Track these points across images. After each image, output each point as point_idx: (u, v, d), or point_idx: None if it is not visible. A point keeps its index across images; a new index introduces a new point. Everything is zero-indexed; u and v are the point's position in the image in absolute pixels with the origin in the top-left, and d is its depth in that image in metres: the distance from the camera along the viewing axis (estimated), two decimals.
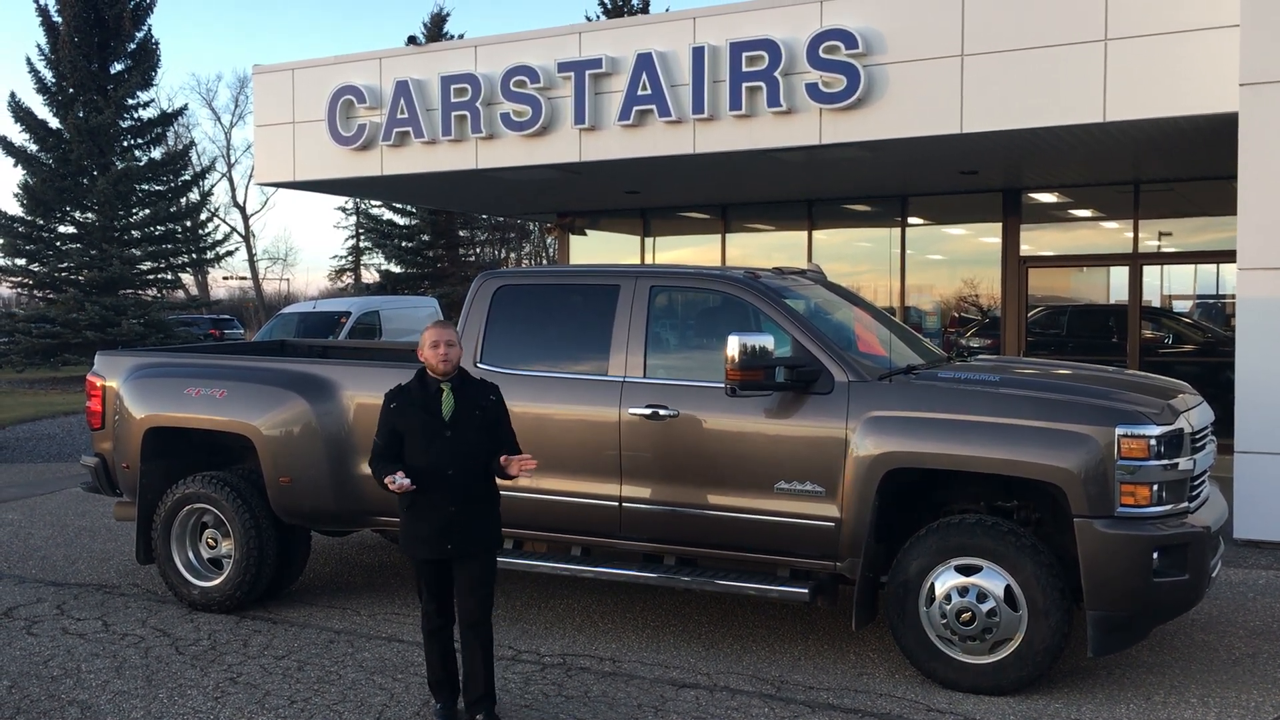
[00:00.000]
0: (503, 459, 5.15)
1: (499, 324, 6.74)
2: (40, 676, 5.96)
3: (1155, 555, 5.31)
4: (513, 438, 5.34)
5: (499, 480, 5.27)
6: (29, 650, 6.39)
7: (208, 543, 7.21)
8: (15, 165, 27.96)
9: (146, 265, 29.24)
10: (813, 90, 11.17)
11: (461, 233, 41.98)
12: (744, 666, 6.08)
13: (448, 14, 39.20)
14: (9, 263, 28.17)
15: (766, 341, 5.74)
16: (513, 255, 47.24)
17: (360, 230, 47.09)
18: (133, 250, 28.68)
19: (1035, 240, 15.40)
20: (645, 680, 5.87)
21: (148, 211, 29.42)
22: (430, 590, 5.22)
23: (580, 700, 5.58)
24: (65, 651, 6.37)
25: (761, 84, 11.36)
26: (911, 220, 16.00)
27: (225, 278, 55.01)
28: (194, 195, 34.60)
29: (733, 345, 5.68)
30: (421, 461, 5.07)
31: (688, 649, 6.38)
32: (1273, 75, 8.83)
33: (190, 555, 7.24)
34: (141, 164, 29.48)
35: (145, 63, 29.09)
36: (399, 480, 4.95)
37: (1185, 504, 5.54)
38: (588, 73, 12.27)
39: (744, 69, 11.44)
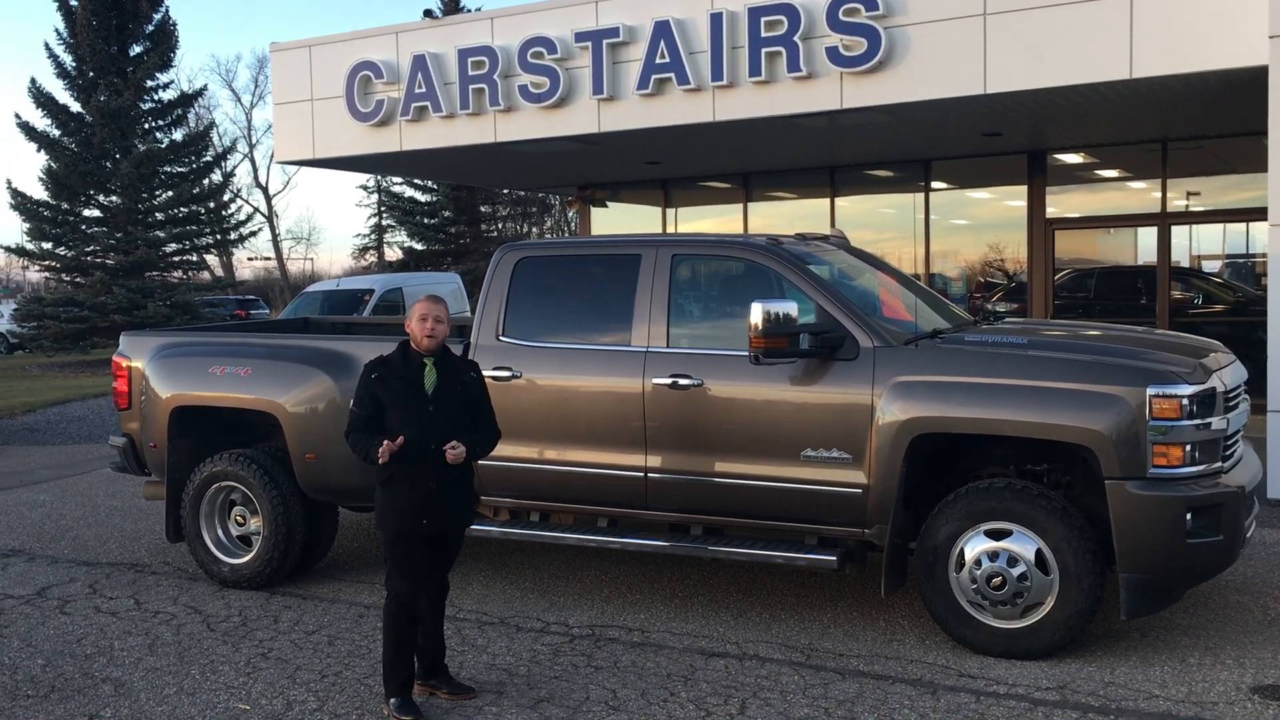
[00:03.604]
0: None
1: (520, 297, 6.71)
2: (74, 655, 6.01)
3: (1189, 516, 5.24)
4: (492, 416, 5.34)
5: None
6: (62, 629, 6.45)
7: (236, 520, 7.26)
8: (38, 150, 28.01)
9: (171, 247, 29.34)
10: (833, 54, 11.04)
11: (483, 208, 41.90)
12: (773, 635, 6.07)
13: None
14: (36, 246, 28.34)
15: (790, 308, 5.68)
16: (534, 230, 47.17)
17: (382, 208, 47.16)
18: (157, 232, 28.77)
19: (1061, 202, 15.21)
20: (674, 650, 5.86)
21: (171, 193, 29.46)
22: (404, 569, 5.16)
23: (610, 670, 5.58)
24: (98, 630, 6.42)
25: (781, 49, 11.23)
26: (935, 185, 15.83)
27: (250, 258, 55.30)
28: (216, 176, 34.63)
29: (756, 313, 5.62)
30: (403, 435, 4.98)
31: (716, 618, 6.36)
32: None
33: (219, 533, 7.29)
34: (163, 146, 29.48)
35: (164, 44, 29.05)
36: (387, 444, 4.89)
37: (1219, 464, 5.46)
38: (605, 42, 12.17)
39: (763, 34, 11.31)
